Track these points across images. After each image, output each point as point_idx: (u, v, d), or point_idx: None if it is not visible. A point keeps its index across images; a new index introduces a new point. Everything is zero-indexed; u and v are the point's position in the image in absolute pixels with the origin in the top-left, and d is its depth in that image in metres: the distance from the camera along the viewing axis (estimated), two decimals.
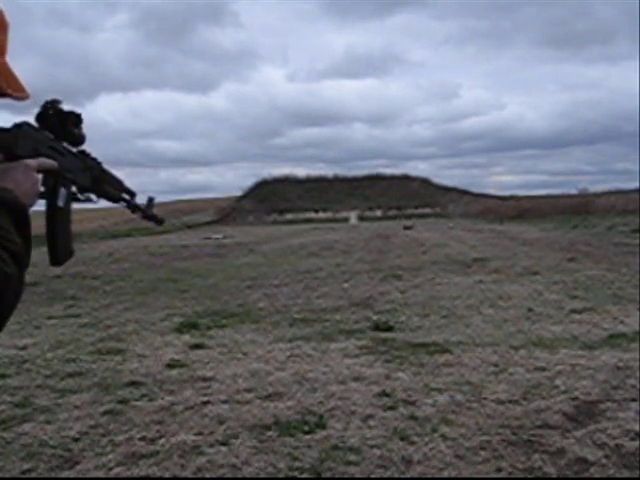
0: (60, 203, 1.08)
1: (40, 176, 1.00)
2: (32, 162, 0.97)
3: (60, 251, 1.10)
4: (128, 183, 1.28)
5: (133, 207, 1.29)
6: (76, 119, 1.09)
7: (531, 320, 6.33)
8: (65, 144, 1.09)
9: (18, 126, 0.99)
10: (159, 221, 1.39)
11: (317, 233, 26.36)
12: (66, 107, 1.07)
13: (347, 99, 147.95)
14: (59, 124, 1.06)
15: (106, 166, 1.20)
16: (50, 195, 1.06)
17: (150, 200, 1.36)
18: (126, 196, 1.27)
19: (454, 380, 4.30)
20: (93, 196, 1.19)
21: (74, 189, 1.13)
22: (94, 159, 1.17)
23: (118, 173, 1.23)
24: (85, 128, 1.13)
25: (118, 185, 1.24)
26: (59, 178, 1.06)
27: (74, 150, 1.12)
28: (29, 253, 0.92)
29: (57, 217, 1.08)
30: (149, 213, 1.35)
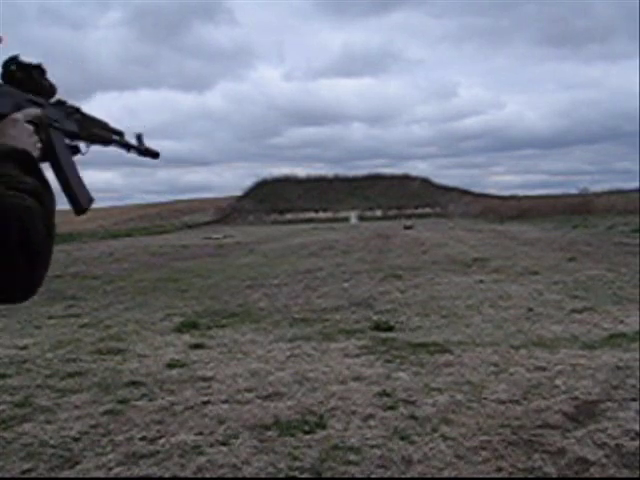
0: (60, 153, 1.06)
1: (32, 127, 0.97)
2: (18, 115, 0.95)
3: (80, 198, 1.06)
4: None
5: (127, 146, 1.26)
6: (40, 71, 1.05)
7: (531, 320, 6.33)
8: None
9: None
10: (155, 154, 1.36)
11: (317, 233, 26.36)
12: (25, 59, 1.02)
13: (345, 98, 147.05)
14: (26, 79, 1.01)
15: (86, 111, 1.16)
16: (48, 148, 1.04)
17: (139, 136, 1.32)
18: (116, 137, 1.23)
19: (454, 380, 4.30)
20: (83, 145, 1.14)
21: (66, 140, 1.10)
22: (71, 106, 1.13)
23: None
24: None
25: (104, 126, 1.20)
26: (49, 130, 1.04)
27: (51, 101, 1.09)
28: (49, 194, 0.87)
29: (63, 166, 1.05)
30: (143, 148, 1.32)
